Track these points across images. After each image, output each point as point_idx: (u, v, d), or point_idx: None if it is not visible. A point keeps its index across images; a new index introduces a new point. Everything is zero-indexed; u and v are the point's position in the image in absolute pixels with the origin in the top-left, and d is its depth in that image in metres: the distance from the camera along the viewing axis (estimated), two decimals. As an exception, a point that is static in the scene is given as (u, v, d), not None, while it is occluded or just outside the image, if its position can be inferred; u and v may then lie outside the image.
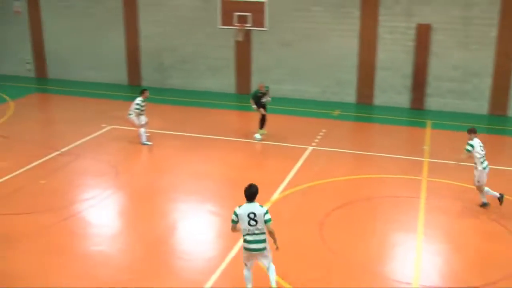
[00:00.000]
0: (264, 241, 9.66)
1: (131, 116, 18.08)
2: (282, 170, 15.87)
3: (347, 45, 23.21)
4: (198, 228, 12.75)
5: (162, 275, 10.78)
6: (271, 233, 9.68)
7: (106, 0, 26.01)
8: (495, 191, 13.49)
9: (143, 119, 18.08)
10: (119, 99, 23.05)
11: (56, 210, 13.36)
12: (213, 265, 11.09)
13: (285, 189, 14.65)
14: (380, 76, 23.20)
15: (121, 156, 17.41)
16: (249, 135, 19.04)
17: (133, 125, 18.28)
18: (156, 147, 17.92)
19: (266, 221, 9.58)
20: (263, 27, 23.71)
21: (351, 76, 23.54)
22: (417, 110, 22.65)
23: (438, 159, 16.79)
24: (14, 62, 28.45)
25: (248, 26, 23.69)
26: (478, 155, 13.22)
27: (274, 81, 24.31)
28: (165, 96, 24.29)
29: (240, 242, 11.71)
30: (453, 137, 18.73)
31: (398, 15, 22.39)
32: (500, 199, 13.44)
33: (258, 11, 23.53)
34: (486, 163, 13.30)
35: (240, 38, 23.87)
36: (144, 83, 26.31)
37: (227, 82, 25.15)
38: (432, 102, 22.78)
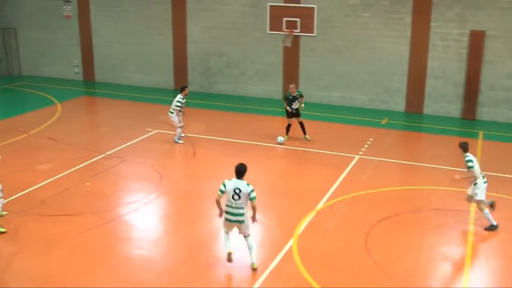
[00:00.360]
0: (242, 214, 10.81)
1: (172, 114, 18.48)
2: (328, 179, 15.73)
3: (398, 52, 22.90)
4: (240, 236, 12.69)
5: (202, 281, 10.80)
6: (253, 208, 10.83)
7: (155, 5, 26.38)
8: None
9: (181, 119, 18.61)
10: (165, 104, 23.12)
11: (99, 213, 13.56)
12: (254, 273, 11.03)
13: (330, 198, 14.50)
14: (431, 85, 22.78)
15: (165, 161, 17.57)
16: (295, 142, 18.94)
17: (172, 123, 18.71)
18: (200, 153, 18.02)
19: (251, 199, 10.75)
20: (312, 33, 23.59)
21: (401, 84, 23.20)
22: (468, 120, 22.14)
23: (489, 172, 16.31)
24: (63, 65, 29.15)
25: (296, 31, 23.62)
26: (477, 171, 12.74)
27: (322, 87, 24.20)
28: (211, 101, 24.44)
29: (283, 252, 11.68)
30: (506, 148, 18.23)
31: (451, 21, 21.96)
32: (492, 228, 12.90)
33: (307, 16, 23.44)
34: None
35: (289, 44, 23.82)
36: (191, 88, 26.46)
37: (274, 88, 25.13)
38: (485, 112, 22.23)
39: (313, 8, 23.27)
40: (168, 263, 11.58)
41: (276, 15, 23.87)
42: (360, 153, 17.96)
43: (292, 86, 19.01)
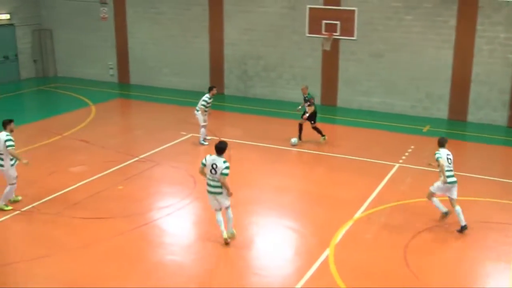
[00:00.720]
0: (220, 187, 12.06)
1: (197, 112, 18.91)
2: (366, 187, 15.61)
3: (441, 56, 22.62)
4: (275, 244, 12.70)
5: (235, 290, 10.83)
6: (222, 184, 11.97)
7: (193, 7, 26.61)
8: None
9: (206, 119, 19.03)
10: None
11: (132, 217, 13.71)
12: (288, 282, 11.01)
13: (368, 207, 14.38)
14: (475, 91, 22.44)
15: (199, 165, 17.65)
16: (333, 148, 18.86)
17: (197, 122, 19.13)
18: (235, 158, 18.05)
19: (222, 174, 11.94)
20: (352, 36, 23.46)
21: (444, 90, 22.91)
22: (515, 129, 21.77)
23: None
24: (99, 67, 29.61)
25: (336, 35, 23.54)
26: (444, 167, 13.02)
27: (362, 93, 24.07)
28: (247, 105, 24.51)
29: (319, 262, 11.63)
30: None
31: (498, 24, 21.60)
32: (462, 229, 13.07)
33: (347, 19, 23.32)
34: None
35: (328, 48, 23.75)
36: (227, 91, 26.69)
37: (312, 93, 25.01)
38: (533, 121, 21.84)
39: (353, 10, 23.16)
40: (200, 270, 11.63)
41: (315, 17, 23.80)
42: (400, 161, 17.78)
43: (303, 86, 19.24)
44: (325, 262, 11.68)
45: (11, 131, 13.87)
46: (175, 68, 27.77)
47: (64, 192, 15.07)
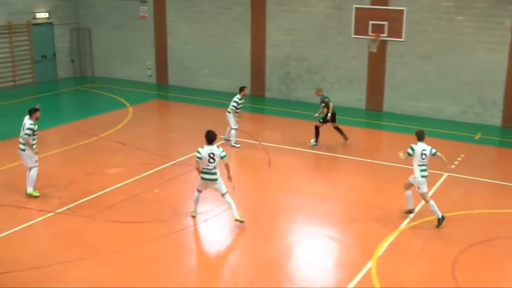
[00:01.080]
0: (216, 173, 13.25)
1: (229, 114, 19.19)
2: (413, 197, 15.37)
3: (495, 59, 22.21)
4: (315, 254, 12.62)
5: (273, 301, 10.79)
6: (226, 165, 13.25)
7: (235, 6, 26.74)
8: None
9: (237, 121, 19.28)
10: (244, 111, 23.17)
11: (167, 222, 13.80)
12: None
13: (415, 218, 14.17)
14: (533, 97, 22.00)
15: (238, 171, 17.70)
16: (377, 155, 18.68)
17: (228, 123, 19.36)
18: (276, 163, 18.05)
19: (222, 157, 13.18)
20: (400, 37, 23.27)
21: (497, 96, 22.49)
22: None
23: None
24: (137, 67, 29.99)
25: (383, 36, 23.36)
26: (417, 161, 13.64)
27: (409, 97, 23.81)
28: (289, 108, 24.46)
29: (361, 274, 11.50)
30: None
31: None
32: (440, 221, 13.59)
33: (395, 20, 23.14)
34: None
35: (374, 49, 23.59)
36: (268, 94, 26.72)
37: (357, 97, 24.91)
38: None
39: (402, 10, 22.97)
40: (237, 279, 11.63)
41: (362, 18, 23.69)
42: (450, 170, 17.48)
43: (317, 89, 19.53)
44: (367, 275, 11.55)
45: (36, 119, 14.79)
46: (215, 69, 27.91)
47: (100, 195, 15.28)
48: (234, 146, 19.29)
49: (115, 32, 30.18)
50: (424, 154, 13.68)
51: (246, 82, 26.80)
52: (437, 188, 16.12)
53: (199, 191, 13.78)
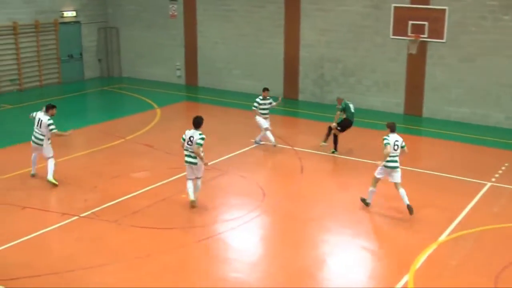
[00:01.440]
0: (195, 157, 14.46)
1: (256, 117, 19.51)
2: (453, 207, 15.19)
3: (544, 63, 21.88)
4: (348, 265, 12.52)
5: (303, 314, 10.73)
6: (196, 153, 14.33)
7: (267, 4, 26.76)
8: None
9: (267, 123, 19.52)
10: (272, 113, 23.16)
11: (195, 228, 13.86)
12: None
13: (455, 230, 13.97)
14: None
15: (269, 176, 17.70)
16: (415, 163, 18.46)
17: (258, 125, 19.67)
18: (309, 170, 17.98)
19: (196, 143, 14.29)
20: (441, 38, 23.03)
21: (546, 101, 22.14)
22: None
23: None
24: (165, 68, 30.19)
25: (424, 37, 23.14)
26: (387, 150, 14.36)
27: (450, 101, 23.55)
28: (323, 112, 24.32)
29: None
30: None
31: None
32: (409, 209, 14.30)
33: (436, 19, 22.91)
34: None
35: (414, 51, 23.38)
36: (301, 96, 26.66)
37: (395, 101, 24.71)
38: None
39: (444, 10, 22.73)
40: (267, 289, 11.62)
41: (401, 17, 23.51)
42: (493, 179, 17.23)
43: (338, 98, 19.48)
44: (404, 288, 11.44)
45: (52, 115, 16.24)
46: (246, 70, 27.94)
47: (126, 199, 15.39)
48: (256, 142, 19.78)
49: (144, 31, 30.43)
50: (396, 145, 14.51)
51: (279, 84, 26.80)
52: (479, 199, 15.88)
53: (189, 180, 14.84)
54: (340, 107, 19.07)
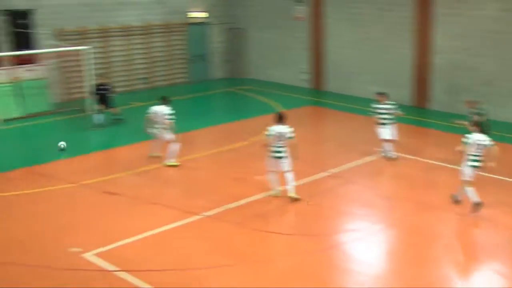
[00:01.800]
0: (283, 152, 15.33)
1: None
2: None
3: None
4: None
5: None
6: (294, 145, 15.35)
7: (397, 8, 26.26)
8: None
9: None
10: (402, 123, 22.47)
11: (317, 236, 13.78)
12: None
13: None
14: None
15: (397, 188, 17.30)
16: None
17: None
18: (437, 183, 17.42)
19: (289, 137, 15.27)
20: None
21: None
22: None
23: None
24: (291, 71, 30.37)
25: None
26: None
27: None
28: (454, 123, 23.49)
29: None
30: None
31: None
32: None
33: None
34: None
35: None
36: (431, 105, 25.92)
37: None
38: None
39: None
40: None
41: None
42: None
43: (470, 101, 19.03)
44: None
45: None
46: (374, 75, 27.52)
47: (249, 202, 15.61)
48: (387, 156, 19.11)
49: (271, 33, 30.72)
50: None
51: (406, 91, 26.21)
52: None
53: (272, 172, 15.63)
54: (476, 110, 18.20)
